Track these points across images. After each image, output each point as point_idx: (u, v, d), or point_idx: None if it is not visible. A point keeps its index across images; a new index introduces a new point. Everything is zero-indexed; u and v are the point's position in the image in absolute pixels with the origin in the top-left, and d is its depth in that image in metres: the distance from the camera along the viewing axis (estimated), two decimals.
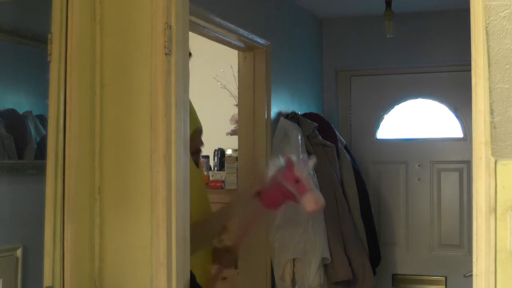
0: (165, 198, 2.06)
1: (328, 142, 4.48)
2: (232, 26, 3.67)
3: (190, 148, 2.47)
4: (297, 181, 2.39)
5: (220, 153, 4.87)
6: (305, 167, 2.43)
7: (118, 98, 2.15)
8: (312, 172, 2.45)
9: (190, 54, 2.29)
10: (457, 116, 5.15)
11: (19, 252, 2.36)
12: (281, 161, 2.46)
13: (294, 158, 2.47)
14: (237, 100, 4.40)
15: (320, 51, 5.32)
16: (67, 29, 2.10)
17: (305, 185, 2.39)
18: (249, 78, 4.16)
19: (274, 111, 4.25)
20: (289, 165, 2.41)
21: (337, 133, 4.77)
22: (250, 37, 3.91)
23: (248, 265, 4.06)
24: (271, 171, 2.46)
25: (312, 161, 2.46)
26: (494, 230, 1.68)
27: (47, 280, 2.06)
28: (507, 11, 1.57)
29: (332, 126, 4.73)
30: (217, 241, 2.63)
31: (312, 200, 2.38)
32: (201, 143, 2.60)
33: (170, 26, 2.10)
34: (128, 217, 2.11)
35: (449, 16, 4.91)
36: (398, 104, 5.32)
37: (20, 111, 2.53)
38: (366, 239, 4.64)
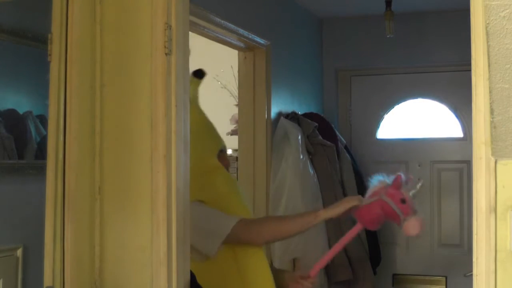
0: (165, 198, 2.06)
1: (328, 142, 4.48)
2: (232, 26, 3.67)
3: (224, 166, 2.52)
4: (402, 201, 2.32)
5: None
6: (413, 188, 2.36)
7: (118, 98, 2.15)
8: (418, 195, 2.41)
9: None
10: (457, 116, 5.15)
11: (19, 252, 2.36)
12: (388, 177, 2.38)
13: (403, 176, 2.38)
14: (237, 100, 4.40)
15: (320, 51, 5.32)
16: (67, 29, 2.10)
17: (410, 207, 2.32)
18: (249, 78, 4.16)
19: (274, 111, 4.25)
20: (397, 183, 2.33)
21: (337, 133, 4.77)
22: (250, 37, 3.91)
23: None
24: (374, 187, 2.39)
25: (421, 183, 2.38)
26: (494, 229, 1.68)
27: (47, 280, 2.07)
28: (507, 11, 1.57)
29: (332, 126, 4.73)
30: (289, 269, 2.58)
31: (417, 225, 2.32)
32: (228, 163, 2.62)
33: (170, 26, 2.10)
34: (128, 217, 2.11)
35: (449, 16, 4.91)
36: (398, 104, 5.31)
37: (20, 111, 2.53)
38: (366, 239, 4.64)
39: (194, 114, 2.50)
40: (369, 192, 2.40)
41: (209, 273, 2.39)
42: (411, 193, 2.34)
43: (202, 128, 2.61)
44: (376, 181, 2.40)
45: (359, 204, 2.38)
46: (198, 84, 2.61)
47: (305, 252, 4.05)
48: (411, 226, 2.33)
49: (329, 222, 4.25)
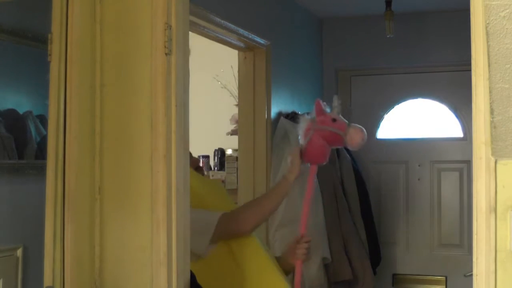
0: (165, 198, 2.06)
1: None
2: (232, 26, 3.67)
3: (191, 166, 2.47)
4: (333, 120, 2.36)
5: (220, 153, 4.87)
6: (334, 107, 2.40)
7: (118, 98, 2.15)
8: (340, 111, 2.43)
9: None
10: (457, 116, 5.15)
11: (19, 252, 2.36)
12: (310, 115, 2.41)
13: (321, 101, 2.42)
14: (237, 100, 4.40)
15: (320, 51, 5.32)
16: (67, 29, 2.10)
17: (343, 122, 2.37)
18: (249, 78, 4.16)
19: (274, 111, 4.25)
20: (319, 109, 2.38)
21: None
22: (250, 37, 3.91)
23: None
24: (303, 126, 2.42)
25: (336, 100, 2.42)
26: (494, 229, 1.68)
27: (47, 280, 2.07)
28: (507, 11, 1.57)
29: None
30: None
31: (358, 132, 2.36)
32: (195, 161, 2.63)
33: (170, 26, 2.10)
34: (128, 217, 2.11)
35: (449, 16, 4.91)
36: (398, 104, 5.32)
37: (20, 111, 2.53)
38: (366, 239, 4.64)
39: None
40: (302, 133, 2.43)
41: (209, 272, 2.39)
42: (335, 111, 2.37)
43: None
44: (302, 121, 2.43)
45: (302, 148, 2.41)
46: None
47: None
48: (353, 136, 2.37)
49: (329, 222, 4.25)
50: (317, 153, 2.40)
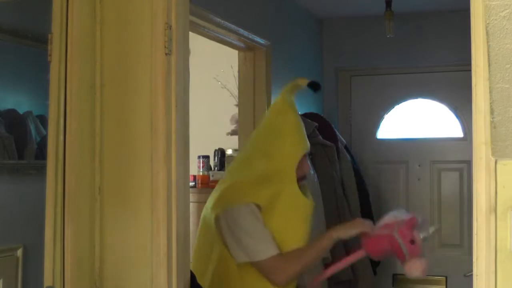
0: (165, 198, 2.06)
1: (328, 142, 4.48)
2: (232, 26, 3.67)
3: (296, 174, 2.42)
4: (412, 242, 2.32)
5: (220, 153, 4.86)
6: (426, 231, 2.35)
7: (118, 98, 2.15)
8: (429, 238, 2.40)
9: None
10: (457, 116, 5.15)
11: (19, 252, 2.36)
12: (403, 214, 2.37)
13: (419, 218, 2.36)
14: (237, 100, 4.40)
15: (320, 51, 5.32)
16: (67, 29, 2.10)
17: (418, 249, 2.32)
18: (249, 78, 4.16)
19: None
20: (411, 223, 2.31)
21: (337, 133, 4.77)
22: (250, 37, 3.91)
23: None
24: (387, 219, 2.37)
25: (434, 228, 2.37)
26: (494, 230, 1.68)
27: (47, 280, 2.07)
28: (507, 11, 1.57)
29: (332, 126, 4.73)
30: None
31: (420, 268, 2.33)
32: (307, 167, 2.53)
33: (170, 26, 2.10)
34: (128, 217, 2.11)
35: (449, 16, 4.91)
36: (398, 104, 5.32)
37: (21, 111, 2.53)
38: None
39: (285, 114, 2.49)
40: (381, 223, 2.39)
41: (238, 279, 2.37)
42: (422, 236, 2.33)
43: (296, 129, 2.50)
44: (391, 215, 2.39)
45: (369, 232, 2.38)
46: (297, 91, 2.56)
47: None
48: (414, 267, 2.34)
49: (329, 222, 4.25)
50: (376, 249, 2.38)
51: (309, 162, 2.52)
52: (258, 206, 2.36)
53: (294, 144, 2.46)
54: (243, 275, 2.37)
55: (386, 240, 2.33)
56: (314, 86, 2.59)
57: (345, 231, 2.42)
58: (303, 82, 2.55)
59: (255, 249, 2.32)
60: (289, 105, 2.52)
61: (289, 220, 2.42)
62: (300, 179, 2.45)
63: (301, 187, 2.45)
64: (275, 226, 2.37)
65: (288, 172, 2.41)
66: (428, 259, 2.36)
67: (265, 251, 2.32)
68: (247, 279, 2.38)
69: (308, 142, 2.52)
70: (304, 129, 2.56)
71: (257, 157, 2.45)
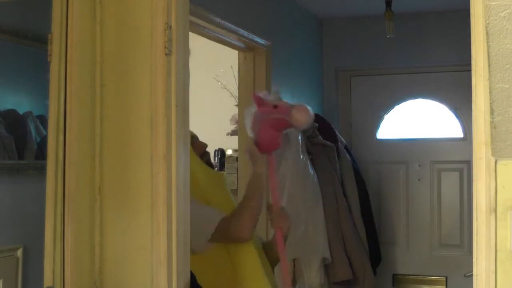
0: (165, 198, 2.06)
1: (328, 142, 4.48)
2: (232, 26, 3.67)
3: (196, 152, 2.52)
4: (275, 106, 2.40)
5: (220, 153, 4.87)
6: (273, 95, 2.44)
7: (118, 98, 2.15)
8: (280, 97, 2.52)
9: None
10: (457, 116, 5.15)
11: (19, 252, 2.36)
12: (250, 107, 2.46)
13: (258, 93, 2.47)
14: (237, 100, 4.40)
15: (320, 51, 5.32)
16: (67, 29, 2.10)
17: (284, 106, 2.40)
18: (249, 78, 4.16)
19: None
20: (258, 99, 2.42)
21: (337, 133, 4.77)
22: (250, 37, 3.91)
23: None
24: (248, 120, 2.47)
25: (275, 87, 2.48)
26: (494, 230, 1.68)
27: (47, 280, 2.07)
28: (507, 11, 1.57)
29: (332, 126, 4.73)
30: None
31: (301, 111, 2.39)
32: (203, 146, 2.62)
33: (170, 26, 2.10)
34: (128, 217, 2.11)
35: (449, 16, 4.91)
36: (398, 104, 5.32)
37: (21, 112, 2.53)
38: (366, 239, 4.64)
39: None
40: (249, 126, 2.47)
41: (205, 269, 2.41)
42: (273, 97, 2.42)
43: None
44: (246, 116, 2.48)
45: (254, 141, 2.46)
46: None
47: (305, 252, 4.05)
48: (297, 116, 2.40)
49: (329, 222, 4.25)
50: (268, 142, 2.45)
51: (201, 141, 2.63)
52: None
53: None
54: (213, 266, 2.44)
55: (263, 128, 2.41)
56: None
57: (255, 163, 2.49)
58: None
59: (206, 224, 2.39)
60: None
61: (215, 196, 2.52)
62: (201, 156, 2.55)
63: (205, 163, 2.57)
64: (204, 202, 2.46)
65: (191, 158, 2.46)
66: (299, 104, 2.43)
67: (214, 219, 2.40)
68: (218, 267, 2.44)
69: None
70: (188, 106, 2.65)
71: None
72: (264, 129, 2.41)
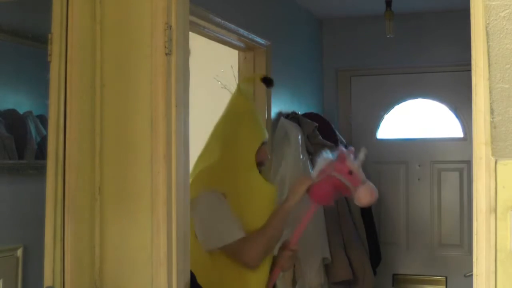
0: (165, 198, 2.06)
1: (328, 142, 4.48)
2: (232, 26, 3.67)
3: (257, 158, 2.51)
4: (350, 173, 2.39)
5: None
6: (357, 159, 2.43)
7: (118, 98, 2.15)
8: (362, 163, 2.50)
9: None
10: (457, 116, 5.15)
11: (19, 252, 2.36)
12: (330, 154, 2.46)
13: (345, 150, 2.45)
14: None
15: (320, 51, 5.32)
16: (67, 29, 2.10)
17: (359, 177, 2.39)
18: None
19: (274, 111, 4.25)
20: (342, 157, 2.41)
21: (337, 133, 4.77)
22: (250, 37, 3.91)
23: None
24: (320, 165, 2.45)
25: (363, 153, 2.45)
26: (494, 230, 1.68)
27: (47, 280, 2.07)
28: (507, 11, 1.57)
29: (332, 126, 4.73)
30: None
31: (368, 192, 2.39)
32: (266, 156, 2.59)
33: (170, 26, 2.10)
34: (128, 217, 2.11)
35: (449, 16, 4.91)
36: (398, 104, 5.31)
37: (21, 111, 2.53)
38: (366, 239, 4.64)
39: (243, 102, 2.60)
40: (316, 171, 2.47)
41: (210, 263, 2.41)
42: (356, 164, 2.40)
43: (248, 117, 2.60)
44: (322, 159, 2.46)
45: (311, 185, 2.46)
46: (253, 84, 2.67)
47: (305, 252, 4.05)
48: (363, 194, 2.40)
49: (329, 222, 4.25)
50: (323, 196, 2.45)
51: (267, 150, 2.62)
52: (223, 194, 2.43)
53: (252, 131, 2.54)
54: (215, 263, 2.43)
55: (327, 183, 2.42)
56: (266, 82, 2.74)
57: (293, 198, 2.48)
58: (257, 76, 2.68)
59: (223, 233, 2.39)
60: (244, 95, 2.63)
61: (252, 206, 2.49)
62: (258, 165, 2.53)
63: (261, 173, 2.55)
64: (239, 212, 2.43)
65: (248, 159, 2.49)
66: (370, 183, 2.43)
67: (233, 234, 2.39)
68: (219, 266, 2.43)
69: (265, 131, 2.62)
70: (260, 117, 2.69)
71: (217, 145, 2.53)
72: (327, 183, 2.41)
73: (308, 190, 2.46)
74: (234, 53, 4.23)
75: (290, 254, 2.55)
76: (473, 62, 1.69)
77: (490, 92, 1.65)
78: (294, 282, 4.07)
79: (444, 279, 5.11)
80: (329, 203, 2.51)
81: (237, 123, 2.54)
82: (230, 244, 2.39)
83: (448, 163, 5.17)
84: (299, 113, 4.54)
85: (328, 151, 2.52)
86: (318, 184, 2.43)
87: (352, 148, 2.54)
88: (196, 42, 3.12)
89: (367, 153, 2.45)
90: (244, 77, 2.67)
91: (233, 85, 4.69)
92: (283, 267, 2.56)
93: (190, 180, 2.40)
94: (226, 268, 2.45)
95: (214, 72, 4.93)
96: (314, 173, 2.49)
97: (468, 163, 4.86)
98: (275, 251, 2.60)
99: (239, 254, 2.40)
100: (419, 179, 5.22)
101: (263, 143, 2.55)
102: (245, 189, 2.48)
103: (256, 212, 2.50)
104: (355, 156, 2.46)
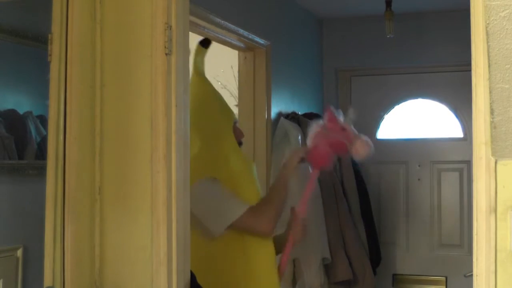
0: (165, 198, 2.06)
1: None
2: (232, 26, 3.67)
3: (236, 139, 2.57)
4: (343, 129, 2.40)
5: None
6: (346, 116, 2.45)
7: (118, 98, 2.15)
8: (352, 119, 2.56)
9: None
10: (457, 116, 5.15)
11: (19, 252, 2.36)
12: (321, 121, 2.48)
13: (333, 109, 2.48)
14: (237, 100, 4.39)
15: (320, 51, 5.32)
16: (67, 29, 2.10)
17: (351, 133, 2.41)
18: (249, 78, 4.16)
19: (274, 111, 4.25)
20: (331, 116, 2.43)
21: None
22: (250, 37, 3.91)
23: None
24: (312, 130, 2.47)
25: (352, 111, 2.47)
26: (494, 230, 1.68)
27: (47, 280, 2.07)
28: (507, 11, 1.57)
29: None
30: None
31: (364, 144, 2.41)
32: (241, 135, 2.66)
33: (170, 26, 2.10)
34: (128, 217, 2.11)
35: (449, 16, 4.91)
36: (398, 104, 5.31)
37: (21, 111, 2.53)
38: (366, 239, 4.64)
39: (203, 86, 2.62)
40: (310, 137, 2.49)
41: (215, 254, 2.42)
42: (346, 120, 2.43)
43: (214, 100, 2.65)
44: (313, 125, 2.48)
45: (307, 150, 2.48)
46: (204, 54, 2.66)
47: (305, 252, 4.05)
48: (360, 147, 2.43)
49: (329, 222, 4.25)
50: (321, 157, 2.46)
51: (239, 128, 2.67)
52: (216, 178, 2.45)
53: (222, 114, 2.61)
54: (219, 250, 2.44)
55: (323, 143, 2.44)
56: (204, 43, 2.74)
57: (289, 163, 2.52)
58: (198, 47, 2.68)
59: (232, 209, 2.41)
60: (201, 77, 2.66)
61: (242, 183, 2.52)
62: (238, 144, 2.59)
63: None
64: (235, 191, 2.46)
65: (229, 141, 2.54)
66: (364, 136, 2.45)
67: (241, 207, 2.41)
68: (223, 253, 2.44)
69: (232, 110, 2.69)
70: (221, 96, 2.72)
71: (195, 135, 2.51)
72: (323, 144, 2.43)
73: (306, 158, 2.48)
74: (234, 53, 4.23)
75: (301, 224, 2.55)
76: (473, 62, 1.69)
77: (490, 92, 1.65)
78: (294, 282, 4.07)
79: (444, 279, 5.11)
80: (328, 164, 2.51)
81: (207, 110, 2.57)
82: (241, 216, 2.40)
83: (448, 163, 5.16)
84: (299, 113, 4.54)
85: (318, 120, 2.54)
86: (314, 148, 2.45)
87: (331, 107, 2.57)
88: (196, 42, 3.11)
89: (357, 112, 2.47)
90: (194, 56, 2.66)
91: (233, 85, 4.70)
92: (295, 239, 2.56)
93: None
94: (232, 253, 2.45)
95: (214, 72, 4.93)
96: (308, 139, 2.51)
97: (468, 163, 4.86)
98: (279, 231, 2.60)
99: (252, 224, 2.42)
100: (419, 179, 5.22)
101: (234, 123, 2.61)
102: (235, 170, 2.51)
103: (249, 188, 2.54)
104: (344, 114, 2.49)
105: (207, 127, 2.55)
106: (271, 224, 2.44)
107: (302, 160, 2.51)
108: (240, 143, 2.62)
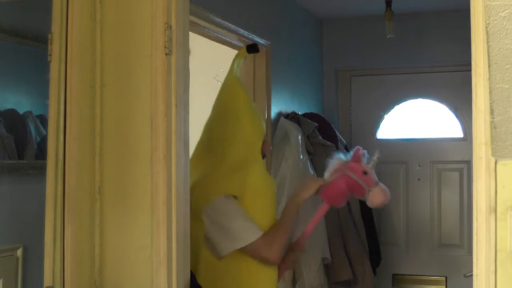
0: (165, 198, 2.06)
1: (328, 142, 4.48)
2: (232, 26, 3.67)
3: (262, 151, 2.49)
4: (365, 173, 2.37)
5: None
6: (371, 160, 2.41)
7: (118, 98, 2.15)
8: (375, 167, 2.48)
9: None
10: (457, 116, 5.15)
11: (19, 252, 2.36)
12: (342, 155, 2.43)
13: (361, 150, 2.42)
14: None
15: (320, 51, 5.32)
16: (67, 29, 2.10)
17: (372, 178, 2.38)
18: (249, 78, 4.15)
19: (274, 111, 4.25)
20: (357, 157, 2.38)
21: (337, 133, 4.77)
22: (250, 37, 3.91)
23: None
24: (334, 164, 2.43)
25: (377, 154, 2.42)
26: (494, 230, 1.68)
27: (47, 280, 2.07)
28: (507, 11, 1.57)
29: (332, 126, 4.73)
30: None
31: (381, 193, 2.37)
32: (269, 149, 2.57)
33: (170, 26, 2.10)
34: (128, 217, 2.11)
35: (449, 16, 4.91)
36: (398, 104, 5.31)
37: (21, 111, 2.53)
38: (366, 239, 4.64)
39: (237, 93, 2.52)
40: (330, 170, 2.44)
41: (219, 272, 2.40)
42: (370, 165, 2.38)
43: (252, 110, 2.52)
44: (336, 159, 2.44)
45: (324, 184, 2.42)
46: (242, 59, 2.58)
47: (305, 253, 4.05)
48: (376, 195, 2.38)
49: (329, 222, 4.25)
50: (335, 195, 2.41)
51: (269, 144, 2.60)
52: (234, 197, 2.40)
53: (254, 126, 2.49)
54: (225, 268, 2.40)
55: (341, 182, 2.38)
56: (252, 49, 2.66)
57: (307, 191, 2.45)
58: (243, 52, 2.60)
59: (244, 234, 2.36)
60: (239, 84, 2.56)
61: (259, 202, 2.46)
62: (262, 156, 2.51)
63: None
64: (252, 210, 2.41)
65: (255, 155, 2.46)
66: (382, 185, 2.40)
67: (254, 233, 2.36)
68: (229, 272, 2.41)
69: (264, 124, 2.57)
70: (257, 109, 2.60)
71: (219, 145, 2.46)
72: (341, 183, 2.37)
73: (319, 191, 2.43)
74: (234, 53, 4.22)
75: (298, 255, 2.53)
76: (473, 62, 1.69)
77: (490, 92, 1.65)
78: (294, 282, 4.07)
79: (444, 279, 5.11)
80: (341, 203, 2.46)
81: (237, 119, 2.45)
82: (254, 242, 2.35)
83: (448, 163, 5.17)
84: (299, 113, 4.54)
85: (340, 153, 2.49)
86: (331, 183, 2.40)
87: (365, 150, 2.50)
88: (196, 42, 3.12)
89: (380, 156, 2.42)
90: (234, 60, 2.57)
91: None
92: (288, 267, 2.55)
93: (196, 183, 2.39)
94: (238, 272, 2.42)
95: (214, 72, 4.93)
96: (327, 173, 2.45)
97: (468, 163, 4.86)
98: None
99: (262, 252, 2.37)
100: (419, 179, 5.22)
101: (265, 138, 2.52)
102: (255, 186, 2.44)
103: (266, 208, 2.48)
104: (370, 157, 2.44)
105: (235, 141, 2.44)
106: (280, 253, 2.40)
107: (317, 192, 2.44)
108: (264, 156, 2.53)
